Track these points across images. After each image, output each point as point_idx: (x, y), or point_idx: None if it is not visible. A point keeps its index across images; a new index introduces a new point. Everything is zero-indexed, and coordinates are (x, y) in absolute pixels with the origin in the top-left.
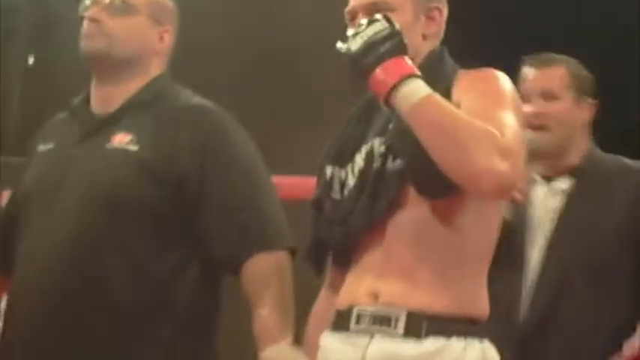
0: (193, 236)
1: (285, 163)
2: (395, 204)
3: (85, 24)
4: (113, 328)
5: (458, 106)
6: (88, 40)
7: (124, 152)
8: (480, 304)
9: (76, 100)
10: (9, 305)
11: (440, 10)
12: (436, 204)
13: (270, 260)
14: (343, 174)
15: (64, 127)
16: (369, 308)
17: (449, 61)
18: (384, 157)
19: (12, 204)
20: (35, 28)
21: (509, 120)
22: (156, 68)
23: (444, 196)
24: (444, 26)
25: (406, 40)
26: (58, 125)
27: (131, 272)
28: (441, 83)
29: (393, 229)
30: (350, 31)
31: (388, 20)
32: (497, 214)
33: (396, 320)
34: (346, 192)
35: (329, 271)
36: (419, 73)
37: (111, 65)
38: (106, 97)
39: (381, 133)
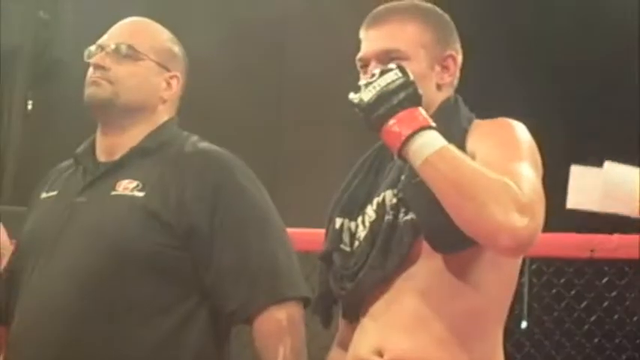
0: (203, 286)
1: (290, 214)
2: (407, 258)
3: (91, 71)
4: None
5: (473, 157)
6: (93, 88)
7: (129, 199)
8: None
9: (81, 148)
10: (7, 356)
11: (454, 59)
12: (450, 257)
13: (281, 313)
14: (353, 226)
15: (68, 176)
16: None
17: (464, 110)
18: (396, 209)
19: (14, 254)
20: (35, 74)
21: (527, 172)
22: (163, 114)
23: (459, 250)
24: (458, 74)
25: (420, 91)
26: (62, 173)
27: (138, 325)
28: (455, 134)
29: (404, 282)
30: (362, 81)
31: (402, 70)
32: (514, 267)
33: None
34: (356, 244)
35: (340, 327)
36: (433, 124)
37: (116, 113)
38: (111, 145)
39: (393, 184)
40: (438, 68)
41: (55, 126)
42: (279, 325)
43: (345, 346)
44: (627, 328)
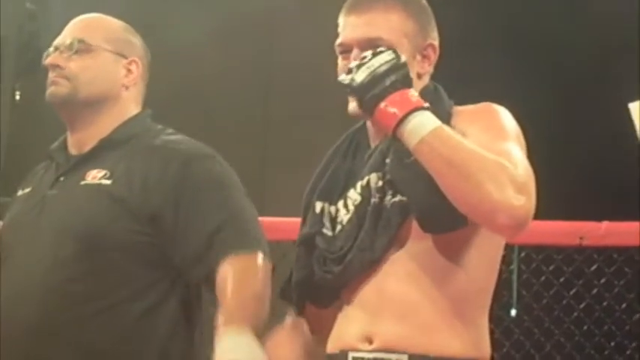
0: (173, 267)
1: (280, 204)
2: (395, 239)
3: (49, 72)
4: None
5: None
6: (52, 88)
7: (97, 187)
8: (483, 345)
9: (55, 145)
10: None
11: (434, 48)
12: (438, 240)
13: (243, 260)
14: (334, 210)
15: (42, 173)
16: (366, 355)
17: (445, 97)
18: (382, 191)
19: None
20: (22, 64)
21: (518, 154)
22: (129, 102)
23: (449, 230)
24: (435, 61)
25: (411, 73)
26: (37, 172)
27: (107, 312)
28: (442, 118)
29: (391, 266)
30: (353, 63)
31: (394, 51)
32: (498, 252)
33: None
34: (339, 228)
35: (299, 311)
36: (427, 105)
37: (79, 108)
38: (80, 138)
39: (378, 168)
40: (419, 57)
41: (43, 116)
42: (240, 269)
43: (299, 331)
44: (616, 314)
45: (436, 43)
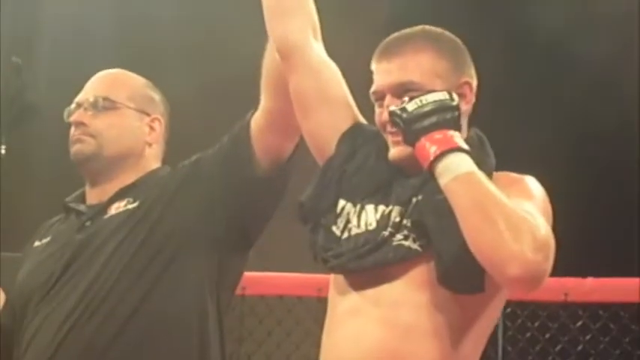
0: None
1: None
2: (386, 281)
3: (72, 129)
4: None
5: None
6: (78, 145)
7: (123, 213)
8: None
9: (70, 198)
10: None
11: (470, 85)
12: (439, 295)
13: None
14: (352, 212)
15: (60, 224)
16: None
17: (491, 154)
18: (397, 228)
19: (5, 307)
20: (8, 118)
21: (542, 219)
22: (152, 159)
23: (466, 293)
24: (473, 100)
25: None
26: (53, 224)
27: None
28: (485, 171)
29: (384, 313)
30: (406, 98)
31: (449, 93)
32: (497, 313)
33: None
34: (345, 235)
35: None
36: (467, 148)
37: (103, 165)
38: (102, 191)
39: (403, 202)
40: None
41: (29, 170)
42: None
43: None
44: None
45: (472, 80)
